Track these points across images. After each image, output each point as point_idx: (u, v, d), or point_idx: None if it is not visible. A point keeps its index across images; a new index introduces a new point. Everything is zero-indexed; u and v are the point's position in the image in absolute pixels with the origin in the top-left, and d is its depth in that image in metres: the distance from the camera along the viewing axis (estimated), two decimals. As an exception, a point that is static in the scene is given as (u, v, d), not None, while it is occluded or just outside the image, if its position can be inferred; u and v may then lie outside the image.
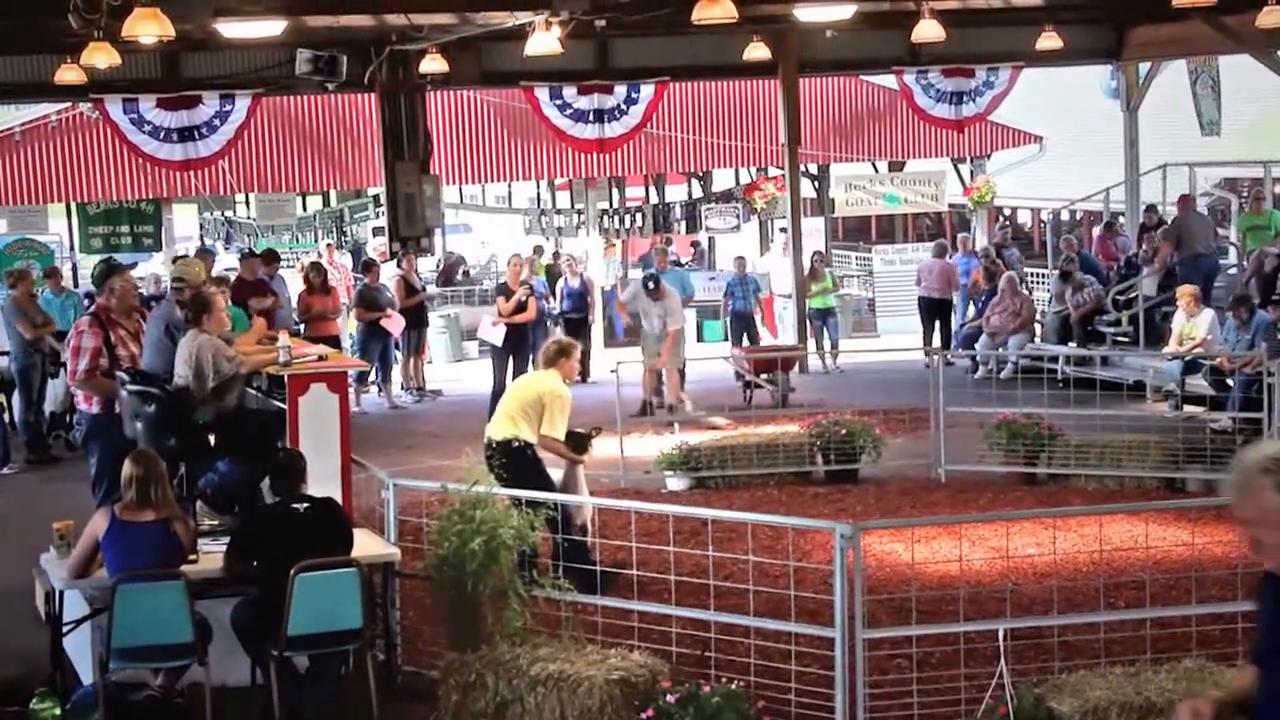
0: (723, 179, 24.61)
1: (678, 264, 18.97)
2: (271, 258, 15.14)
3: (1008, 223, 23.09)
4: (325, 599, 6.20)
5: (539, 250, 20.01)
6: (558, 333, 15.64)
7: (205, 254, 15.92)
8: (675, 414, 12.94)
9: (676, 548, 6.91)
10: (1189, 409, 12.56)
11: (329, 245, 19.48)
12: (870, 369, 16.27)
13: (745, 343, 16.07)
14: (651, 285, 13.91)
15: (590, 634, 6.48)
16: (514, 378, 13.24)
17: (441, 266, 22.96)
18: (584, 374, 16.85)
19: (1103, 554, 7.94)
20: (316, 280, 14.82)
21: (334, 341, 13.38)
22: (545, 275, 17.49)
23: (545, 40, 12.28)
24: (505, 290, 14.10)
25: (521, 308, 13.98)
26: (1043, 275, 19.15)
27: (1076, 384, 11.92)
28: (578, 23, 12.78)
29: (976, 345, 15.75)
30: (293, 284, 15.71)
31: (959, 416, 11.37)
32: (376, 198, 19.99)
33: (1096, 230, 19.50)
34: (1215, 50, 17.52)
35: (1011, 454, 10.77)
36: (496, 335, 13.91)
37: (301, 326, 13.99)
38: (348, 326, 16.81)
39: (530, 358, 14.03)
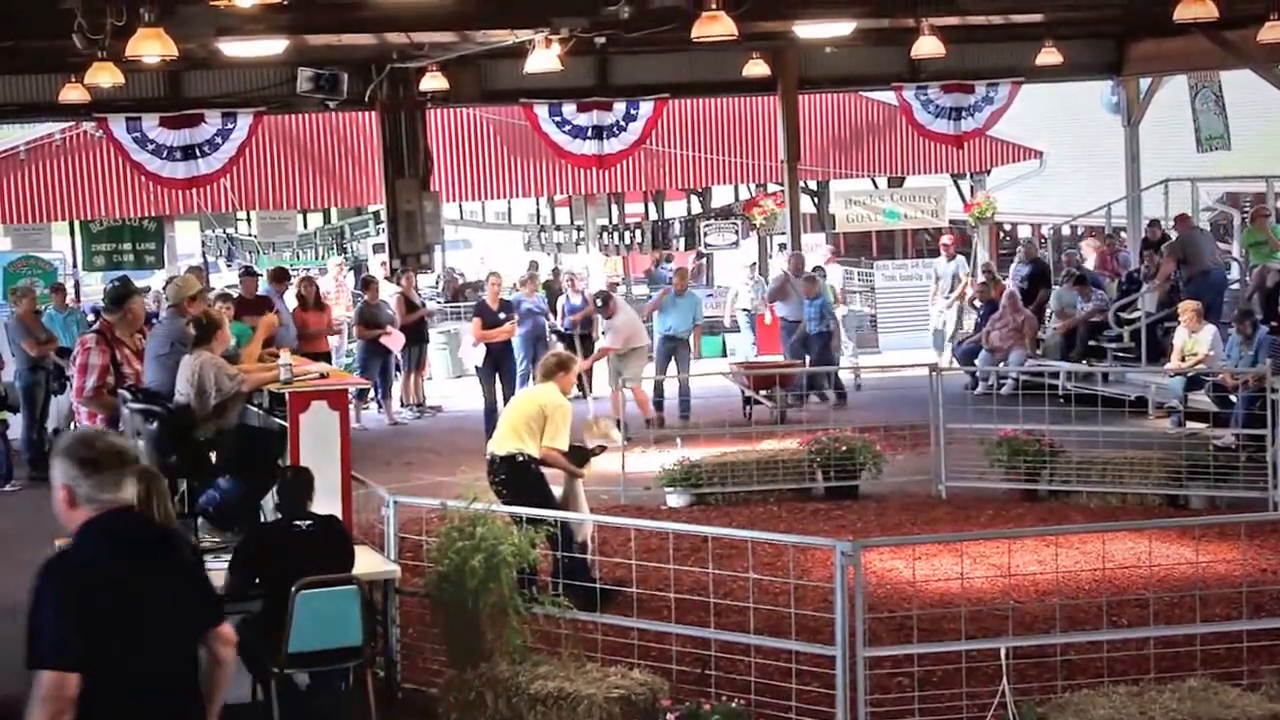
0: (722, 195, 24.64)
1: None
2: (281, 276, 15.15)
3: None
4: (326, 616, 6.19)
5: (534, 265, 20.06)
6: (558, 347, 15.65)
7: (197, 270, 15.99)
8: (650, 429, 13.00)
9: (676, 565, 6.90)
10: (1192, 425, 12.54)
11: (339, 264, 19.50)
12: (871, 385, 16.26)
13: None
14: (600, 303, 14.06)
15: (590, 652, 6.46)
16: (503, 394, 13.29)
17: (441, 283, 22.99)
18: (583, 389, 16.86)
19: (1105, 571, 7.92)
20: (309, 295, 14.82)
21: (325, 358, 13.38)
22: (545, 291, 17.52)
23: (545, 58, 12.33)
24: (483, 309, 14.14)
25: (496, 324, 13.95)
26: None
27: (1078, 400, 11.90)
28: (578, 40, 12.83)
29: (976, 361, 15.73)
30: (292, 301, 15.72)
31: (960, 433, 11.35)
32: (377, 214, 20.02)
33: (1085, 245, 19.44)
34: (1217, 65, 17.55)
35: (1013, 471, 10.75)
36: (477, 355, 13.97)
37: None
38: (346, 342, 16.84)
39: (516, 373, 14.12)
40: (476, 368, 14.19)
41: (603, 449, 8.81)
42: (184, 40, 10.28)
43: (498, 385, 13.70)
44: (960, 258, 18.33)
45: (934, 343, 17.71)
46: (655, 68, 16.60)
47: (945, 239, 18.64)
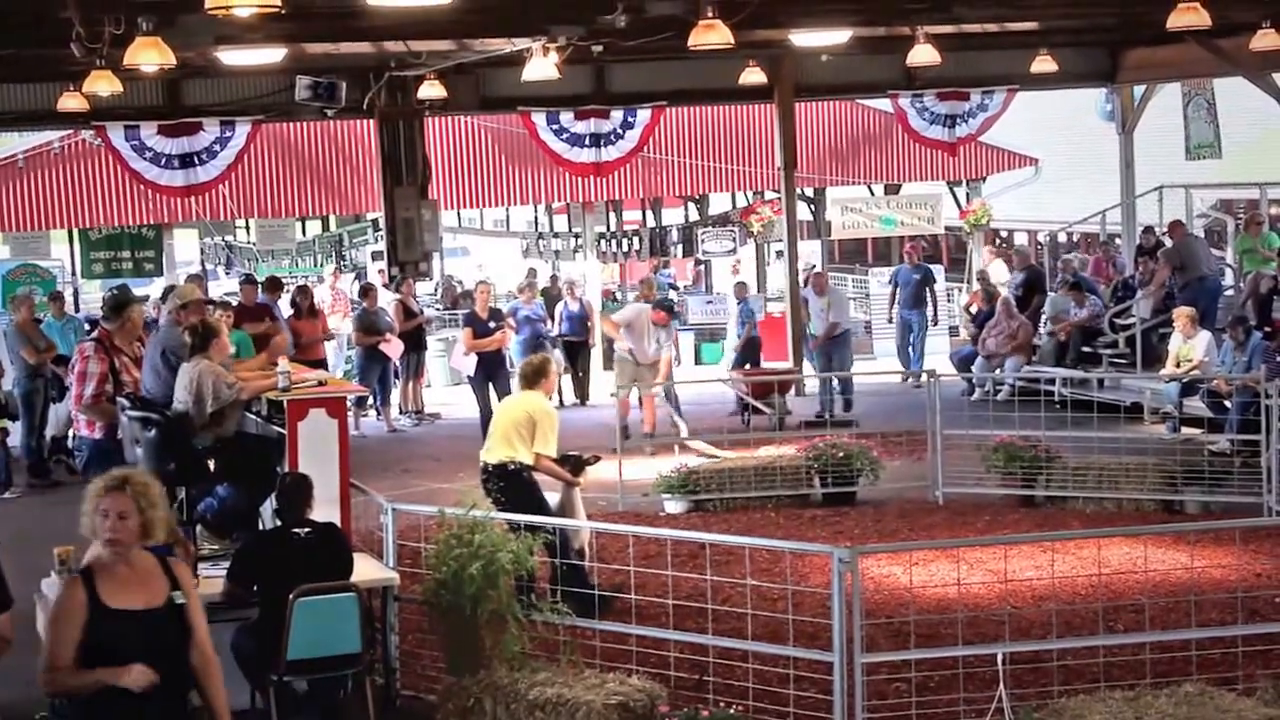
0: (719, 202, 24.69)
1: (674, 287, 19.04)
2: (275, 285, 15.19)
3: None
4: (324, 624, 6.22)
5: (533, 273, 20.15)
6: (557, 355, 15.68)
7: (197, 278, 16.01)
8: (655, 440, 12.99)
9: (674, 571, 6.94)
10: (1187, 431, 12.59)
11: (335, 271, 19.54)
12: (867, 391, 16.28)
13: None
14: (676, 314, 13.90)
15: (588, 658, 6.49)
16: (497, 402, 13.29)
17: (440, 291, 23.04)
18: (583, 397, 16.89)
19: (1101, 577, 7.95)
20: (303, 304, 14.85)
21: (321, 366, 13.39)
22: (543, 298, 17.57)
23: (543, 66, 12.38)
24: (473, 319, 14.14)
25: (487, 333, 13.93)
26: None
27: (1074, 406, 11.94)
28: (575, 48, 12.87)
29: (972, 367, 15.76)
30: (287, 310, 15.75)
31: (956, 439, 11.39)
32: (375, 222, 20.07)
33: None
34: (1210, 73, 17.61)
35: (1009, 476, 10.78)
36: (469, 364, 13.97)
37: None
38: (344, 349, 16.85)
39: (509, 381, 14.08)
40: (469, 378, 14.18)
41: (598, 458, 8.84)
42: (182, 49, 10.31)
43: (492, 394, 13.71)
44: (930, 267, 18.03)
45: (899, 352, 17.23)
46: (652, 76, 16.64)
47: (907, 247, 18.66)
